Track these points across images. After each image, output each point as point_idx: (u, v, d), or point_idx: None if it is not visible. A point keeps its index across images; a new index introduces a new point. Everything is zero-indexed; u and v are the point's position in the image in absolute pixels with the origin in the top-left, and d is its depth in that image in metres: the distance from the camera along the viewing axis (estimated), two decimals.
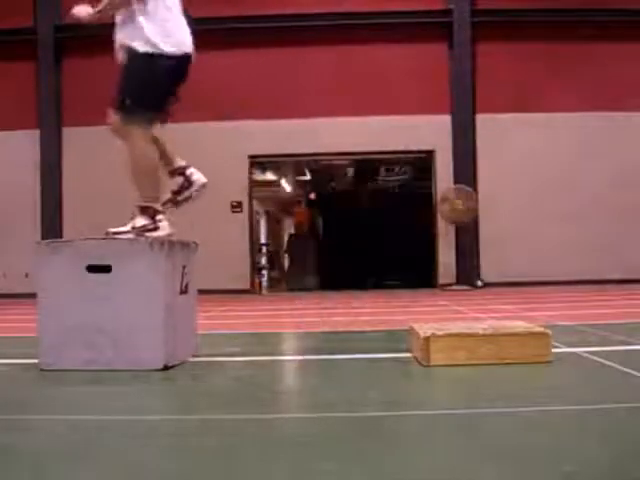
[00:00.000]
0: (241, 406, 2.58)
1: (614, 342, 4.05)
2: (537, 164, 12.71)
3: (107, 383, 3.08)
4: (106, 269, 3.39)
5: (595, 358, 3.37)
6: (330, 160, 15.33)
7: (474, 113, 12.87)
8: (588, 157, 12.69)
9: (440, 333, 3.27)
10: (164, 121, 3.91)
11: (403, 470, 1.70)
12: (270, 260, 19.06)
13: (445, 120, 12.87)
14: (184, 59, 3.83)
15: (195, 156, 14.84)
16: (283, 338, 5.37)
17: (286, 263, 17.91)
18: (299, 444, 2.02)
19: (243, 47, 12.99)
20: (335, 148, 13.19)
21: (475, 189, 12.60)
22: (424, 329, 3.37)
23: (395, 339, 4.43)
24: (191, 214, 14.16)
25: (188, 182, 3.81)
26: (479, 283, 12.43)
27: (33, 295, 3.51)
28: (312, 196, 18.44)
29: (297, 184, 18.71)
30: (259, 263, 15.52)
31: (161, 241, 3.44)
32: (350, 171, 17.21)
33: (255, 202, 15.09)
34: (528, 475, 1.64)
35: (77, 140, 13.07)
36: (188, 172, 3.81)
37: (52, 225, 12.90)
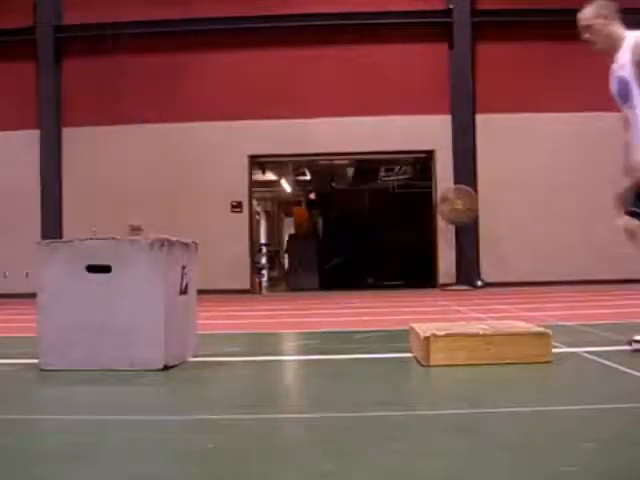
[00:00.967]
0: (241, 406, 2.57)
1: (614, 342, 4.04)
2: (537, 164, 12.71)
3: (107, 383, 3.08)
4: (106, 269, 3.39)
5: (595, 358, 3.37)
6: (330, 160, 15.32)
7: (474, 113, 12.87)
8: (588, 157, 12.68)
9: (440, 333, 3.27)
10: None
11: (403, 470, 1.70)
12: (270, 260, 19.07)
13: (445, 120, 12.86)
14: None
15: (195, 156, 14.81)
16: (283, 338, 5.37)
17: (286, 263, 17.90)
18: (299, 444, 2.02)
19: (243, 47, 12.99)
20: (335, 148, 13.19)
21: (475, 189, 12.60)
22: (424, 329, 3.37)
23: (395, 339, 4.42)
24: (191, 214, 14.18)
25: None
26: (479, 283, 12.43)
27: (33, 295, 3.51)
28: (312, 196, 18.44)
29: (297, 184, 18.71)
30: (259, 263, 15.51)
31: (161, 241, 3.44)
32: (350, 171, 17.20)
33: (255, 202, 15.09)
34: (528, 475, 1.64)
35: (77, 140, 13.07)
36: None
37: (52, 225, 12.90)
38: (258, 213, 18.31)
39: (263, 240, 19.61)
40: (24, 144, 13.03)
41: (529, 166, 12.74)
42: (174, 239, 3.59)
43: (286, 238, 18.80)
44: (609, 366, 3.16)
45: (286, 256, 17.81)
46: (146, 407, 2.64)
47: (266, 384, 3.16)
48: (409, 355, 3.58)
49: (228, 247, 12.59)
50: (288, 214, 20.78)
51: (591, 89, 12.70)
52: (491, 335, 3.28)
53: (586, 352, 3.54)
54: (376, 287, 14.63)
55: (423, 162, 14.15)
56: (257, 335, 5.60)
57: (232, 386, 3.12)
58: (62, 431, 2.22)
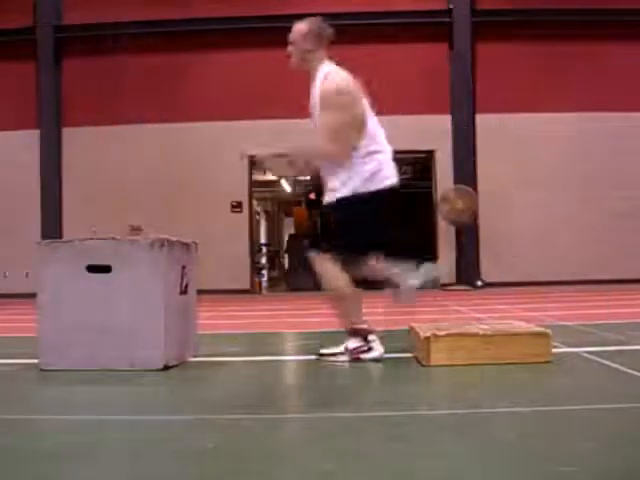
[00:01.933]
0: (241, 406, 2.57)
1: (614, 342, 4.04)
2: (537, 164, 12.71)
3: (107, 383, 3.08)
4: (106, 269, 3.39)
5: (595, 358, 3.37)
6: None
7: (474, 113, 12.86)
8: (588, 157, 12.69)
9: (440, 333, 3.27)
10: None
11: (403, 470, 1.70)
12: (270, 260, 19.06)
13: (445, 120, 12.86)
14: (390, 191, 3.72)
15: (195, 156, 14.84)
16: (283, 338, 5.37)
17: (286, 263, 17.90)
18: (299, 444, 2.02)
19: (243, 47, 12.99)
20: None
21: (475, 189, 12.59)
22: (424, 329, 3.37)
23: (395, 339, 4.42)
24: (191, 214, 14.19)
25: (368, 346, 3.63)
26: (479, 283, 12.43)
27: (33, 295, 3.50)
28: (312, 196, 18.43)
29: (297, 184, 18.71)
30: (259, 263, 15.51)
31: (161, 241, 3.44)
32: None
33: (255, 202, 15.08)
34: (528, 475, 1.64)
35: (77, 140, 13.07)
36: (370, 338, 3.66)
37: (52, 225, 12.90)
38: (258, 213, 18.30)
39: (263, 240, 19.60)
40: (24, 144, 13.03)
41: (529, 166, 12.74)
42: (174, 239, 3.59)
43: (286, 238, 18.80)
44: (609, 366, 3.16)
45: (286, 256, 17.80)
46: (146, 407, 2.64)
47: (266, 384, 3.16)
48: (409, 355, 3.58)
49: (228, 247, 12.59)
50: (288, 214, 20.77)
51: (591, 89, 12.74)
52: (491, 335, 3.28)
53: (586, 352, 3.54)
54: (376, 287, 14.60)
55: (423, 162, 14.14)
56: (257, 335, 5.60)
57: (232, 386, 3.12)
58: (62, 431, 2.22)
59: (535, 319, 5.24)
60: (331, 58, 3.90)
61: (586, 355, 3.47)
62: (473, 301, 8.70)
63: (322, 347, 3.74)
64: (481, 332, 3.30)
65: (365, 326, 3.66)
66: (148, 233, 3.75)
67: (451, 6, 12.88)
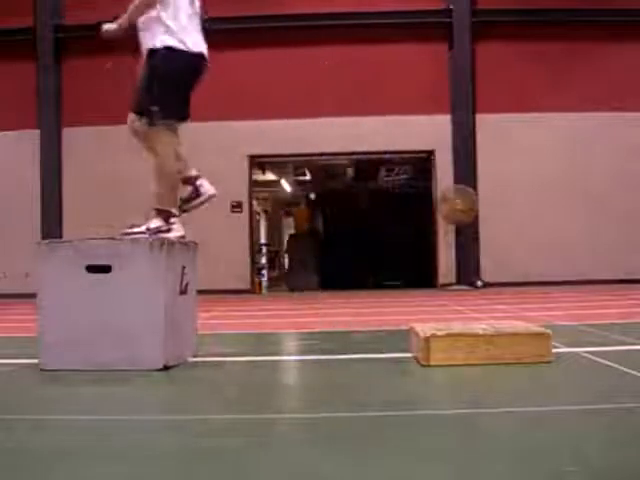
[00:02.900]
0: (241, 406, 2.57)
1: (614, 342, 4.05)
2: (537, 164, 12.71)
3: (107, 383, 3.08)
4: (106, 269, 3.39)
5: (595, 358, 3.37)
6: (330, 160, 15.32)
7: (474, 113, 12.87)
8: (589, 157, 12.69)
9: (440, 333, 3.27)
10: (184, 121, 3.99)
11: (403, 470, 1.70)
12: (270, 260, 19.06)
13: (445, 120, 12.87)
14: (202, 58, 3.91)
15: (195, 156, 14.87)
16: (283, 338, 5.37)
17: (286, 263, 17.91)
18: (299, 444, 2.02)
19: (243, 47, 12.99)
20: (335, 148, 13.19)
21: (475, 189, 12.60)
22: (424, 329, 3.37)
23: (395, 339, 4.42)
24: (191, 214, 14.17)
25: (197, 192, 3.84)
26: (479, 283, 12.43)
27: (33, 295, 3.50)
28: (312, 196, 18.44)
29: (297, 184, 18.71)
30: (259, 263, 15.51)
31: (161, 242, 3.44)
32: (350, 171, 17.20)
33: (255, 202, 15.08)
34: (528, 475, 1.64)
35: (77, 140, 13.07)
36: (198, 182, 3.84)
37: (52, 225, 12.90)
38: (258, 213, 18.30)
39: (263, 240, 19.60)
40: (24, 144, 13.03)
41: (529, 166, 12.75)
42: (174, 239, 3.59)
43: (286, 238, 18.80)
44: (609, 366, 3.16)
45: (286, 256, 17.81)
46: (146, 407, 2.64)
47: (266, 384, 3.16)
48: (409, 355, 3.58)
49: (228, 247, 12.59)
50: (288, 214, 20.78)
51: (591, 89, 12.74)
52: (491, 335, 3.28)
53: (586, 352, 3.54)
54: (376, 287, 14.63)
55: (423, 162, 14.15)
56: (257, 335, 5.60)
57: (232, 386, 3.12)
58: (62, 431, 2.22)
59: (535, 319, 5.24)
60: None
61: (586, 355, 3.47)
62: (473, 301, 8.70)
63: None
64: (481, 332, 3.30)
65: (173, 210, 3.74)
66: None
67: (451, 6, 12.88)
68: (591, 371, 3.18)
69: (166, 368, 3.33)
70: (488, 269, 12.68)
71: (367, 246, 16.03)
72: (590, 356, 3.43)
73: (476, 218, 12.57)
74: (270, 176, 16.83)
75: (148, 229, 3.71)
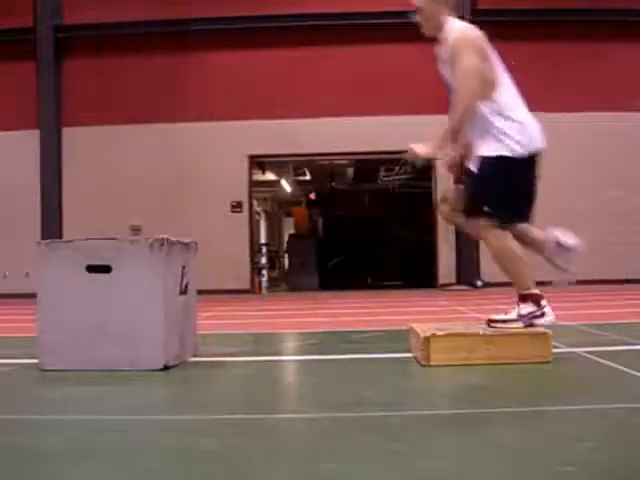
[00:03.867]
0: (241, 406, 2.57)
1: (614, 342, 4.05)
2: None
3: (107, 383, 3.08)
4: (106, 269, 3.39)
5: (595, 358, 3.37)
6: (330, 160, 15.32)
7: None
8: (588, 157, 12.68)
9: (440, 333, 3.27)
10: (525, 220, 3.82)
11: (403, 470, 1.70)
12: (270, 260, 19.06)
13: (445, 120, 12.84)
14: (536, 155, 3.78)
15: (195, 156, 14.79)
16: (283, 338, 5.37)
17: (286, 263, 17.91)
18: (299, 444, 2.02)
19: (243, 47, 12.99)
20: (335, 148, 13.19)
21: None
22: (424, 329, 3.37)
23: (395, 339, 4.42)
24: (191, 214, 14.17)
25: (541, 313, 3.60)
26: (479, 283, 12.42)
27: (33, 295, 3.50)
28: (312, 196, 18.45)
29: (297, 184, 18.71)
30: (259, 263, 15.51)
31: (161, 241, 3.44)
32: (350, 171, 17.20)
33: (255, 202, 15.08)
34: (528, 475, 1.64)
35: (77, 140, 13.07)
36: (542, 303, 3.64)
37: (52, 225, 12.90)
38: (258, 213, 18.30)
39: (263, 240, 19.60)
40: (24, 144, 13.03)
41: None
42: (174, 239, 3.59)
43: (286, 238, 18.81)
44: (609, 366, 3.16)
45: (286, 256, 17.82)
46: (146, 407, 2.64)
47: (266, 384, 3.16)
48: (409, 355, 3.58)
49: (228, 247, 12.58)
50: (288, 214, 20.78)
51: (592, 89, 12.74)
52: (491, 335, 3.28)
53: (586, 352, 3.54)
54: (376, 287, 14.63)
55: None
56: (257, 335, 5.60)
57: (232, 386, 3.12)
58: (62, 431, 2.22)
59: None
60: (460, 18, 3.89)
61: (586, 355, 3.47)
62: (473, 301, 8.70)
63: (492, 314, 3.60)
64: (481, 332, 3.30)
65: (537, 291, 3.59)
66: (148, 233, 3.77)
67: None
68: (591, 371, 3.18)
69: (166, 368, 3.33)
70: (488, 269, 12.66)
71: (367, 246, 16.03)
72: (590, 356, 3.43)
73: None
74: (270, 176, 16.83)
75: (520, 316, 3.53)
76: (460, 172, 3.79)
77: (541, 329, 3.40)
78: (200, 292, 3.99)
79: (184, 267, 3.65)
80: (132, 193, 12.76)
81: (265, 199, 20.14)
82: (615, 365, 3.15)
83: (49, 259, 3.45)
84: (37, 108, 13.10)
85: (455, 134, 3.60)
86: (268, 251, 18.84)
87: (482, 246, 13.97)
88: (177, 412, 2.54)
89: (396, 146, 13.10)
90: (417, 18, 3.85)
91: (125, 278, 3.37)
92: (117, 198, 12.75)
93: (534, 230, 3.81)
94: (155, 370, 3.28)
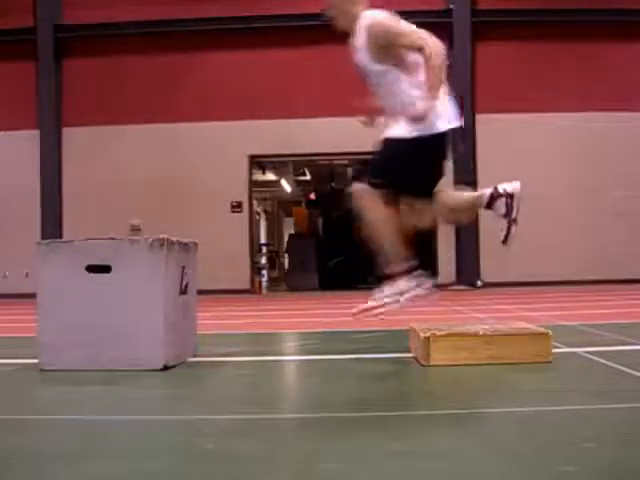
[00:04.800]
0: (241, 406, 2.57)
1: (614, 342, 4.05)
2: (537, 164, 12.71)
3: (107, 383, 3.07)
4: (106, 269, 3.39)
5: (595, 358, 3.37)
6: (330, 160, 15.32)
7: (474, 113, 12.87)
8: (588, 156, 12.69)
9: (440, 333, 3.27)
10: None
11: (403, 470, 1.70)
12: (270, 260, 19.06)
13: None
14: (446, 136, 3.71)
15: (195, 156, 14.80)
16: (283, 338, 5.37)
17: (286, 263, 17.91)
18: (300, 444, 2.02)
19: (243, 47, 13.00)
20: (335, 148, 13.19)
21: (475, 189, 12.59)
22: (424, 329, 3.37)
23: (395, 339, 4.43)
24: (191, 214, 14.17)
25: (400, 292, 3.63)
26: (479, 283, 12.43)
27: (33, 295, 3.50)
28: (312, 196, 18.45)
29: (297, 184, 18.71)
30: (259, 263, 15.51)
31: (161, 241, 3.44)
32: (350, 171, 17.20)
33: (255, 202, 15.09)
34: (528, 475, 1.64)
35: (77, 140, 13.07)
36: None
37: (52, 225, 12.90)
38: (258, 213, 18.31)
39: (263, 240, 19.61)
40: (24, 144, 13.04)
41: (529, 166, 12.73)
42: (174, 239, 3.59)
43: (286, 238, 18.81)
44: (609, 366, 3.16)
45: (286, 256, 17.82)
46: (146, 407, 2.64)
47: (266, 384, 3.16)
48: (409, 355, 3.58)
49: (228, 247, 12.59)
50: (288, 214, 20.79)
51: (591, 89, 12.74)
52: (491, 335, 3.28)
53: (586, 352, 3.54)
54: (376, 287, 14.60)
55: None
56: (257, 335, 5.60)
57: (232, 386, 3.12)
58: (62, 431, 2.22)
59: (535, 319, 5.24)
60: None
61: (586, 355, 3.47)
62: (473, 301, 8.70)
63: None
64: (481, 332, 3.30)
65: (401, 268, 3.60)
66: (148, 233, 3.76)
67: (451, 6, 12.89)
68: (591, 371, 3.18)
69: (166, 368, 3.33)
70: (488, 269, 12.69)
71: (367, 246, 16.02)
72: (590, 356, 3.43)
73: (476, 218, 12.56)
74: (270, 176, 16.84)
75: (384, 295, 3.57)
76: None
77: (541, 329, 3.39)
78: (200, 292, 3.99)
79: (184, 267, 3.65)
80: (132, 193, 12.77)
81: (265, 199, 20.15)
82: (615, 365, 3.15)
83: (49, 259, 3.45)
84: (37, 108, 13.11)
85: (437, 89, 3.55)
86: (268, 251, 18.85)
87: (482, 246, 14.05)
88: (177, 412, 2.54)
89: None
90: (331, 13, 3.86)
91: (125, 278, 3.37)
92: (117, 198, 12.76)
93: (463, 193, 3.83)
94: (155, 370, 3.28)
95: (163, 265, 3.40)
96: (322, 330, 5.49)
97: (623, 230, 12.41)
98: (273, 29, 12.96)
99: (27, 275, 11.06)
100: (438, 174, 3.87)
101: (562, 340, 3.81)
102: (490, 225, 13.73)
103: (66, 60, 13.30)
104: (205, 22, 12.91)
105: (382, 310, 3.53)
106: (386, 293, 3.56)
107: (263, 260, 17.37)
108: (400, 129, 3.67)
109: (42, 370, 3.36)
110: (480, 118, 12.84)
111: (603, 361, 3.27)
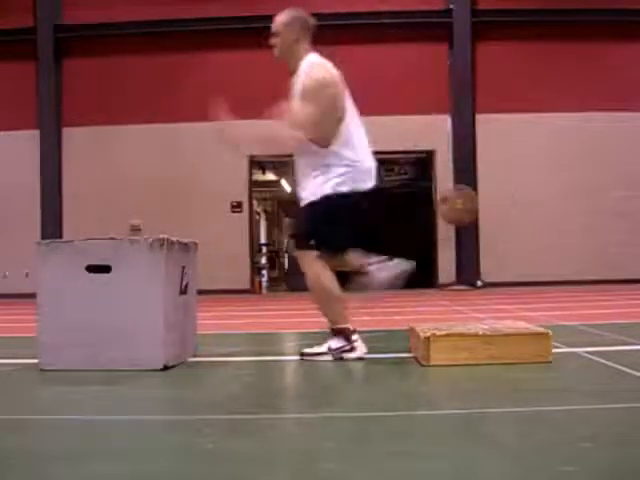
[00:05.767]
0: (241, 406, 2.57)
1: (614, 342, 4.05)
2: (537, 164, 12.71)
3: (107, 383, 3.07)
4: (106, 269, 3.39)
5: (595, 358, 3.37)
6: None
7: (474, 113, 12.87)
8: (588, 157, 12.69)
9: (440, 333, 3.27)
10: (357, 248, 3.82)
11: (403, 470, 1.70)
12: (270, 260, 19.06)
13: (445, 120, 12.87)
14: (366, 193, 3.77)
15: (195, 156, 14.83)
16: (283, 338, 5.37)
17: (286, 263, 17.91)
18: (299, 444, 2.02)
19: (243, 47, 12.99)
20: None
21: (475, 189, 12.59)
22: (424, 329, 3.37)
23: (395, 339, 4.43)
24: (191, 214, 14.17)
25: (351, 348, 3.65)
26: (479, 283, 12.43)
27: (33, 295, 3.50)
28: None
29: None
30: (259, 263, 15.51)
31: (161, 241, 3.44)
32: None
33: (255, 202, 15.08)
34: (528, 475, 1.64)
35: (77, 140, 13.07)
36: (353, 337, 3.68)
37: (52, 225, 12.90)
38: (258, 213, 18.30)
39: (263, 240, 19.60)
40: (24, 144, 13.04)
41: (529, 166, 12.74)
42: (174, 239, 3.59)
43: (286, 238, 18.80)
44: (609, 366, 3.16)
45: (286, 256, 17.81)
46: (146, 407, 2.64)
47: (266, 384, 3.17)
48: (409, 355, 3.58)
49: (228, 247, 12.59)
50: (288, 214, 20.78)
51: (591, 89, 12.74)
52: (491, 335, 3.28)
53: (586, 352, 3.54)
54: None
55: (423, 162, 14.15)
56: (257, 335, 5.61)
57: (232, 386, 3.12)
58: (62, 431, 2.22)
59: (535, 319, 5.24)
60: (315, 50, 3.89)
61: (586, 355, 3.47)
62: (473, 301, 8.70)
63: (305, 347, 3.76)
64: (481, 332, 3.30)
65: (348, 325, 3.64)
66: (148, 233, 3.75)
67: (451, 6, 12.89)
68: (591, 371, 3.18)
69: (166, 368, 3.33)
70: (488, 269, 12.68)
71: (367, 246, 16.02)
72: (590, 356, 3.43)
73: (476, 218, 12.57)
74: (270, 176, 16.83)
75: (330, 349, 3.61)
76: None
77: (541, 329, 3.39)
78: (200, 292, 3.99)
79: (184, 267, 3.65)
80: (132, 193, 12.76)
81: (265, 199, 20.13)
82: (615, 365, 3.15)
83: (49, 259, 3.45)
84: (37, 108, 13.10)
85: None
86: (268, 251, 18.84)
87: (482, 246, 14.05)
88: (177, 412, 2.54)
89: (396, 146, 13.20)
90: (273, 41, 3.87)
91: (125, 278, 3.37)
92: (117, 198, 12.75)
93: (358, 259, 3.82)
94: (155, 370, 3.28)
95: (163, 265, 3.40)
96: (322, 330, 5.49)
97: (623, 230, 12.41)
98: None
99: (27, 275, 11.06)
100: (360, 232, 3.88)
101: (562, 340, 3.81)
102: (490, 225, 13.80)
103: (66, 60, 13.29)
104: (205, 22, 12.91)
105: (318, 359, 3.59)
106: (333, 347, 3.62)
107: (263, 260, 17.36)
108: (309, 192, 3.70)
109: (42, 370, 3.36)
110: (480, 118, 12.84)
111: (603, 361, 3.27)
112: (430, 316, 6.41)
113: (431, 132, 12.89)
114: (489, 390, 2.81)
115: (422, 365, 3.26)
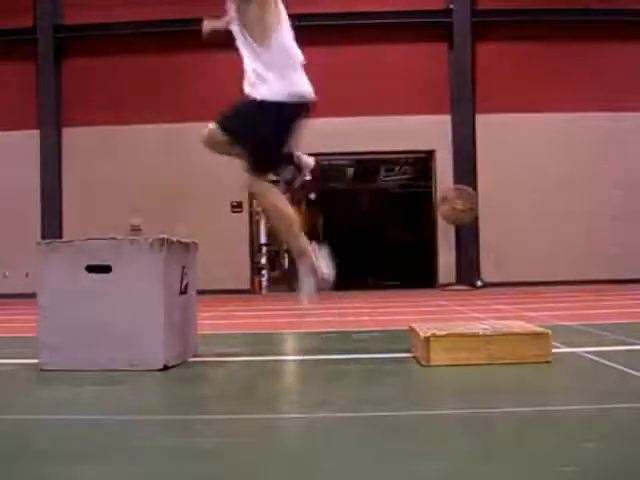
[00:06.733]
0: (241, 406, 2.57)
1: (614, 342, 4.05)
2: (537, 164, 12.72)
3: (107, 383, 3.07)
4: (106, 269, 3.39)
5: (595, 358, 3.37)
6: (330, 160, 15.32)
7: (474, 113, 12.87)
8: (588, 156, 12.69)
9: (440, 333, 3.27)
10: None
11: (403, 470, 1.70)
12: (270, 260, 19.04)
13: (445, 120, 12.87)
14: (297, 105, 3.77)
15: (195, 156, 14.87)
16: (283, 338, 5.37)
17: (286, 263, 17.89)
18: (299, 444, 2.02)
19: None
20: (335, 148, 13.19)
21: (475, 189, 12.60)
22: (424, 329, 3.37)
23: (395, 339, 4.43)
24: (191, 214, 14.20)
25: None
26: (479, 283, 12.43)
27: (33, 295, 3.50)
28: (312, 196, 18.42)
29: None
30: (259, 263, 15.51)
31: (161, 241, 3.44)
32: (350, 171, 17.20)
33: (255, 202, 15.06)
34: (528, 475, 1.64)
35: (77, 140, 13.07)
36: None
37: (52, 225, 12.91)
38: (258, 213, 18.29)
39: (263, 240, 19.59)
40: (24, 144, 13.04)
41: (529, 166, 12.75)
42: (174, 239, 3.59)
43: None
44: (609, 366, 3.16)
45: (286, 256, 17.79)
46: (146, 407, 2.64)
47: (266, 384, 3.16)
48: (409, 355, 3.58)
49: (228, 247, 12.59)
50: None
51: (591, 89, 12.75)
52: (491, 335, 3.28)
53: (586, 352, 3.54)
54: (376, 287, 14.63)
55: (423, 162, 14.16)
56: (257, 335, 5.60)
57: (232, 386, 3.12)
58: (62, 431, 2.22)
59: (535, 319, 5.24)
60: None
61: (586, 355, 3.47)
62: (473, 301, 8.70)
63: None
64: (481, 332, 3.30)
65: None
66: (148, 233, 3.75)
67: (451, 6, 12.89)
68: (591, 371, 3.18)
69: (166, 368, 3.33)
70: (488, 269, 12.69)
71: (367, 246, 16.03)
72: (590, 356, 3.43)
73: (476, 218, 12.58)
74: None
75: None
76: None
77: (541, 329, 3.40)
78: (200, 292, 3.99)
79: (184, 267, 3.65)
80: (132, 193, 12.77)
81: None
82: (615, 365, 3.15)
83: (49, 259, 3.45)
84: (37, 108, 13.11)
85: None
86: (268, 251, 18.82)
87: (482, 246, 14.09)
88: (177, 412, 2.54)
89: (396, 146, 13.21)
90: None
91: (125, 278, 3.37)
92: (117, 198, 12.76)
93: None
94: (155, 370, 3.28)
95: (163, 265, 3.40)
96: (322, 330, 5.49)
97: (623, 230, 12.41)
98: None
99: (27, 275, 11.06)
100: (278, 143, 3.86)
101: (562, 340, 3.81)
102: (490, 225, 13.85)
103: (66, 60, 13.30)
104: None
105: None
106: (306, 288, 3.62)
107: (263, 260, 17.35)
108: (253, 89, 3.79)
109: (42, 370, 3.36)
110: (480, 118, 12.84)
111: (603, 361, 3.27)
112: (430, 316, 6.41)
113: (431, 132, 12.89)
114: (489, 390, 2.81)
115: (422, 365, 3.26)
